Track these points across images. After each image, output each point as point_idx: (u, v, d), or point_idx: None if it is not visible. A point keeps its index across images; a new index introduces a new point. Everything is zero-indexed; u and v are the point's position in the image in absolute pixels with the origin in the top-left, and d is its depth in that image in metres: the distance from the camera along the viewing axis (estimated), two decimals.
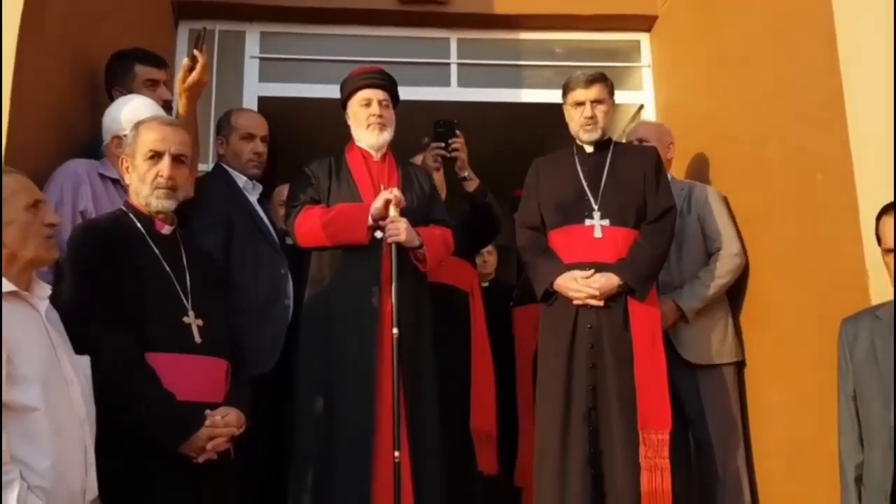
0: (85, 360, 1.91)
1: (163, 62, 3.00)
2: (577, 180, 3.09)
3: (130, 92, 2.83)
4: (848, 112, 2.69)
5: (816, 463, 2.77)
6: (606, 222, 2.97)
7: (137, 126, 2.32)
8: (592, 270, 2.89)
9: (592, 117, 3.09)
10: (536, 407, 2.96)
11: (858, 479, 2.26)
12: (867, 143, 2.65)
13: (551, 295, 2.98)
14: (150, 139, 2.27)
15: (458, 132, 3.43)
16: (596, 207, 3.00)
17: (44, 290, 1.89)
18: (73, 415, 1.81)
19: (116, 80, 2.92)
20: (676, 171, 3.68)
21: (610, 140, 3.19)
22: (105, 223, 2.26)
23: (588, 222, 2.99)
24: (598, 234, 2.96)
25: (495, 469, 3.26)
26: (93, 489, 1.84)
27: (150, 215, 2.29)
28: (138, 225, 2.26)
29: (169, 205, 2.29)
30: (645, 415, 2.79)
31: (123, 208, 2.31)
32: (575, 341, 2.88)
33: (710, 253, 3.32)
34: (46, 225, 1.89)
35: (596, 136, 3.12)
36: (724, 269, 3.24)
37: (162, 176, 2.25)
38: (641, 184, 3.05)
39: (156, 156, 2.26)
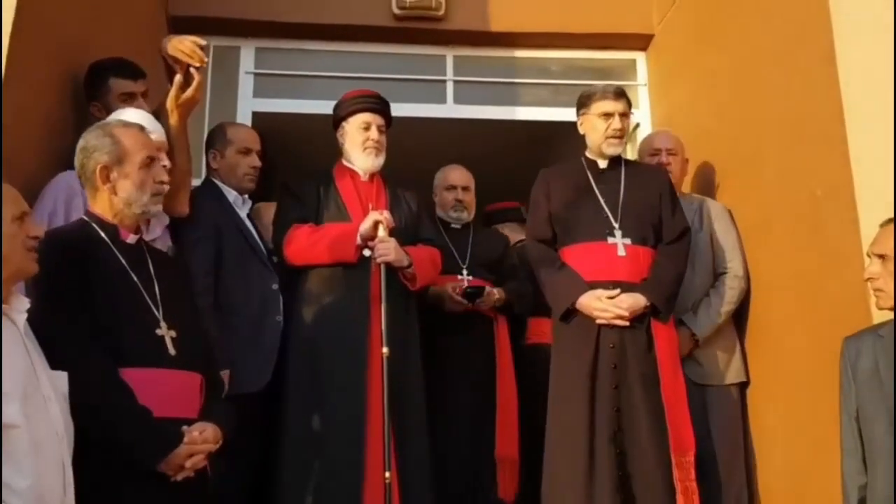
0: (62, 376, 1.85)
1: (140, 73, 2.89)
2: (593, 196, 3.03)
3: (107, 107, 2.76)
4: (848, 127, 2.66)
5: (817, 484, 2.73)
6: (628, 241, 2.93)
7: (107, 130, 2.22)
8: (619, 290, 2.84)
9: (622, 130, 3.06)
10: (552, 428, 2.86)
11: (862, 502, 2.21)
12: (867, 158, 2.62)
13: (571, 313, 2.90)
14: (141, 144, 2.22)
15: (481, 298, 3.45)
16: (617, 225, 2.96)
17: (22, 303, 1.84)
18: (52, 432, 1.75)
19: (93, 94, 2.83)
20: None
21: (619, 157, 3.14)
22: (68, 233, 2.17)
23: (611, 240, 2.93)
24: (621, 252, 2.91)
25: (513, 497, 3.25)
26: None
27: (114, 224, 2.20)
28: (102, 235, 2.17)
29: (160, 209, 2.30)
30: (675, 437, 2.73)
31: (85, 217, 2.22)
32: (598, 361, 2.80)
33: (717, 272, 3.29)
34: (30, 238, 1.85)
35: (620, 150, 3.10)
36: (733, 294, 3.22)
37: (162, 181, 2.25)
38: (658, 204, 3.03)
39: (152, 162, 2.23)
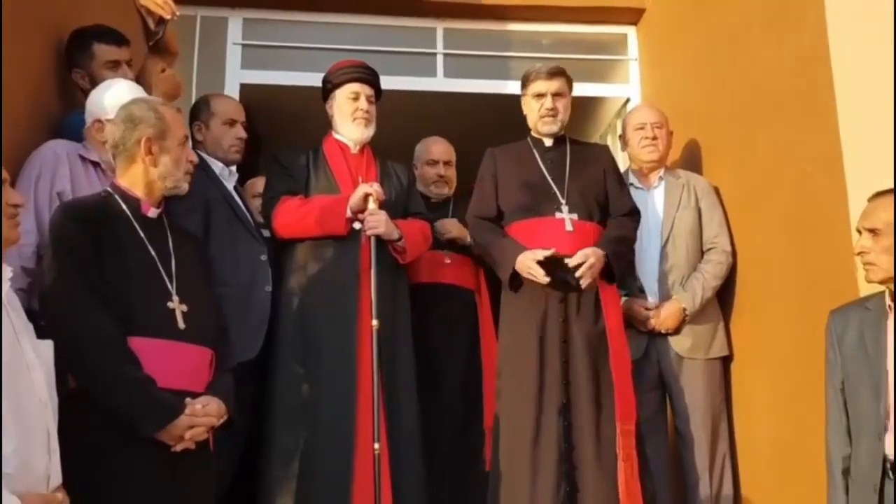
0: (48, 345, 1.83)
1: (123, 39, 2.86)
2: (539, 173, 3.08)
3: (91, 74, 2.74)
4: (838, 102, 2.66)
5: (800, 456, 2.76)
6: (575, 216, 2.98)
7: (152, 105, 2.26)
8: (554, 249, 2.84)
9: (553, 109, 3.10)
10: (500, 400, 2.90)
11: (846, 472, 2.24)
12: (857, 133, 2.62)
13: (517, 281, 2.92)
14: (180, 123, 2.29)
15: None
16: (564, 201, 3.00)
17: (5, 272, 1.83)
18: (35, 399, 1.74)
19: (76, 61, 2.80)
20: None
21: (564, 135, 3.19)
22: (88, 203, 2.21)
23: (558, 215, 2.99)
24: (569, 227, 2.96)
25: None
26: (57, 475, 1.77)
27: (137, 197, 2.23)
28: (123, 207, 2.20)
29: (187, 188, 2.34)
30: (621, 405, 2.80)
31: (109, 189, 2.25)
32: (545, 335, 2.85)
33: (704, 248, 3.32)
34: (10, 205, 1.83)
35: (556, 128, 3.14)
36: (721, 269, 3.25)
37: (192, 161, 2.32)
38: (602, 180, 3.10)
39: (186, 140, 2.30)
